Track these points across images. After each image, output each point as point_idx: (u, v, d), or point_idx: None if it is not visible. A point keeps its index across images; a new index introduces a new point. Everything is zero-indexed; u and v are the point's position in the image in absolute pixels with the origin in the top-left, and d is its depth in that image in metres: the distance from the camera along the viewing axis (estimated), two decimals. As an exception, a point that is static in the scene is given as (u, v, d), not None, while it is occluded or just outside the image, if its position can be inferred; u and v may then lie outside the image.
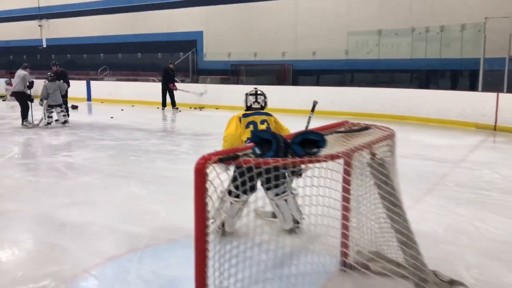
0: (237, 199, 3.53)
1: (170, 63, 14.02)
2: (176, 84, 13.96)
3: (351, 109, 11.79)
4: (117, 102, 15.71)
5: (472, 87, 10.84)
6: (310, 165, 2.19)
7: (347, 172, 2.65)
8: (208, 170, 1.84)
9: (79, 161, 6.79)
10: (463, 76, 12.28)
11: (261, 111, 4.01)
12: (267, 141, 1.89)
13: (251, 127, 3.72)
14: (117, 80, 18.26)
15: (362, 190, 2.81)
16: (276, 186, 3.53)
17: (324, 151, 1.96)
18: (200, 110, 14.21)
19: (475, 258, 3.45)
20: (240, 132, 3.76)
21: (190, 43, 17.37)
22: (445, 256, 3.43)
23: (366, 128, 2.73)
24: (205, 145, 8.09)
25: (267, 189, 3.57)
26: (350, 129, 2.73)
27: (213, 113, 13.23)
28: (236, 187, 3.27)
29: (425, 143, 8.45)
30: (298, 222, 3.76)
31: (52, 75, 10.28)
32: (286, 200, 3.66)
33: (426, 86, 12.45)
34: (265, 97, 4.14)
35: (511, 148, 8.13)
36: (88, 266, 3.26)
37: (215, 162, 1.84)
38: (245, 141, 3.64)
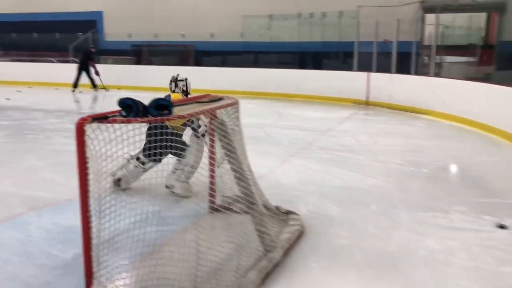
0: (141, 165, 4.37)
1: (91, 46, 14.41)
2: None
3: (248, 88, 12.76)
4: (13, 84, 15.21)
5: (349, 67, 12.29)
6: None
7: (212, 133, 3.47)
8: (86, 128, 2.55)
9: (-24, 140, 6.98)
10: (341, 58, 13.80)
11: (172, 94, 4.72)
12: (130, 106, 2.64)
13: None
14: (12, 60, 17.51)
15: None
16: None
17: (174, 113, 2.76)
18: (105, 90, 14.34)
19: (314, 198, 4.50)
20: None
21: (90, 23, 17.19)
22: (292, 199, 4.44)
23: (219, 99, 3.57)
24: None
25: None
26: (209, 100, 3.55)
27: (115, 93, 13.48)
28: (146, 155, 4.17)
29: (305, 117, 9.66)
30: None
31: None
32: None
33: (312, 67, 13.77)
34: (185, 82, 4.86)
35: (374, 119, 9.62)
36: (-8, 222, 3.79)
37: (90, 122, 2.55)
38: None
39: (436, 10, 10.90)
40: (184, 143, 4.28)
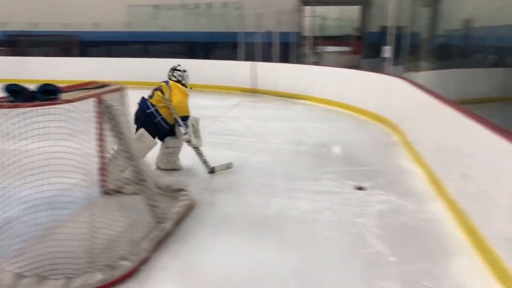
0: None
1: None
2: None
3: (138, 78, 12.65)
4: None
5: (236, 57, 12.81)
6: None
7: (100, 118, 3.62)
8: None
9: None
10: (229, 48, 14.33)
11: (170, 81, 5.12)
12: (16, 91, 2.74)
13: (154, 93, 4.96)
14: None
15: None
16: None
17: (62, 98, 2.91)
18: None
19: (204, 176, 4.88)
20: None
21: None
22: (183, 178, 4.76)
23: (105, 85, 3.75)
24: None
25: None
26: (94, 86, 3.71)
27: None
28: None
29: (196, 105, 9.90)
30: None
31: None
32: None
33: (202, 57, 14.06)
34: (182, 73, 5.33)
35: (260, 105, 10.25)
36: None
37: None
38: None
39: (312, 2, 11.83)
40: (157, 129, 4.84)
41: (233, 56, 13.40)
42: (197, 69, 12.69)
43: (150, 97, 4.94)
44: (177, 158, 5.16)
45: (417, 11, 8.63)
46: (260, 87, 11.79)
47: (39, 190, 3.82)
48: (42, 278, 2.67)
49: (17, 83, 2.77)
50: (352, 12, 14.40)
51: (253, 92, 11.86)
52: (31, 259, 2.79)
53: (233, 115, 8.84)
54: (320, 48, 13.19)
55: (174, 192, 4.14)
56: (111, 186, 4.12)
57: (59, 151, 3.10)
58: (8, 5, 14.99)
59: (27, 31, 14.97)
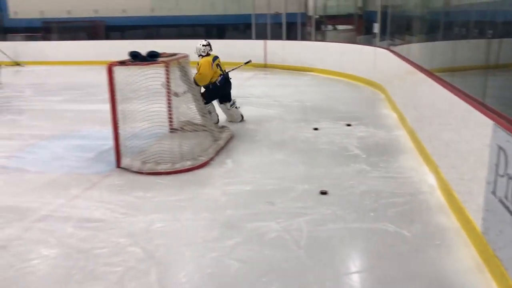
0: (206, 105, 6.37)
1: None
2: None
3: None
4: None
5: (248, 37, 14.58)
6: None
7: (167, 75, 5.49)
8: (114, 68, 4.50)
9: None
10: (241, 28, 16.09)
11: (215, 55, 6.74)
12: (135, 55, 4.63)
13: (219, 66, 6.71)
14: None
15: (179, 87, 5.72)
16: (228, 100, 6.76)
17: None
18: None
19: (236, 122, 6.77)
20: (213, 70, 6.58)
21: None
22: (221, 123, 6.66)
23: (174, 54, 5.62)
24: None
25: (224, 102, 6.73)
26: (170, 54, 5.57)
27: (28, 69, 14.43)
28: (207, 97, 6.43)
29: (217, 77, 11.82)
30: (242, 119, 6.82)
31: None
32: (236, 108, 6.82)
33: (217, 37, 15.84)
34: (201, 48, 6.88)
35: (272, 77, 12.09)
36: None
37: (115, 65, 4.51)
38: (217, 80, 6.63)
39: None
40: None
41: (245, 36, 15.11)
42: (214, 48, 14.52)
43: (222, 69, 6.83)
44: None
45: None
46: (270, 62, 13.60)
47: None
48: (157, 163, 4.61)
49: (135, 50, 4.65)
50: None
51: (264, 67, 13.68)
52: (150, 154, 4.72)
53: (250, 84, 10.71)
54: (324, 27, 14.75)
55: (221, 128, 6.05)
56: (175, 126, 6.01)
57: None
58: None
59: (61, 18, 16.79)
